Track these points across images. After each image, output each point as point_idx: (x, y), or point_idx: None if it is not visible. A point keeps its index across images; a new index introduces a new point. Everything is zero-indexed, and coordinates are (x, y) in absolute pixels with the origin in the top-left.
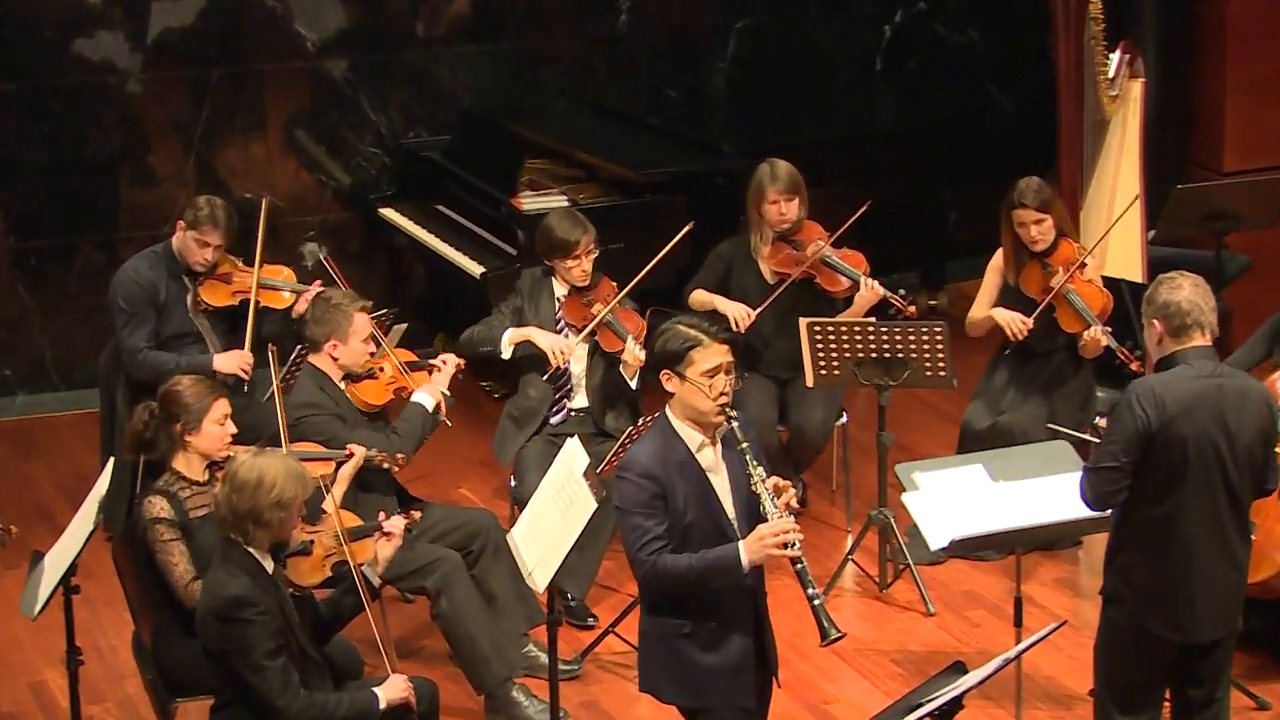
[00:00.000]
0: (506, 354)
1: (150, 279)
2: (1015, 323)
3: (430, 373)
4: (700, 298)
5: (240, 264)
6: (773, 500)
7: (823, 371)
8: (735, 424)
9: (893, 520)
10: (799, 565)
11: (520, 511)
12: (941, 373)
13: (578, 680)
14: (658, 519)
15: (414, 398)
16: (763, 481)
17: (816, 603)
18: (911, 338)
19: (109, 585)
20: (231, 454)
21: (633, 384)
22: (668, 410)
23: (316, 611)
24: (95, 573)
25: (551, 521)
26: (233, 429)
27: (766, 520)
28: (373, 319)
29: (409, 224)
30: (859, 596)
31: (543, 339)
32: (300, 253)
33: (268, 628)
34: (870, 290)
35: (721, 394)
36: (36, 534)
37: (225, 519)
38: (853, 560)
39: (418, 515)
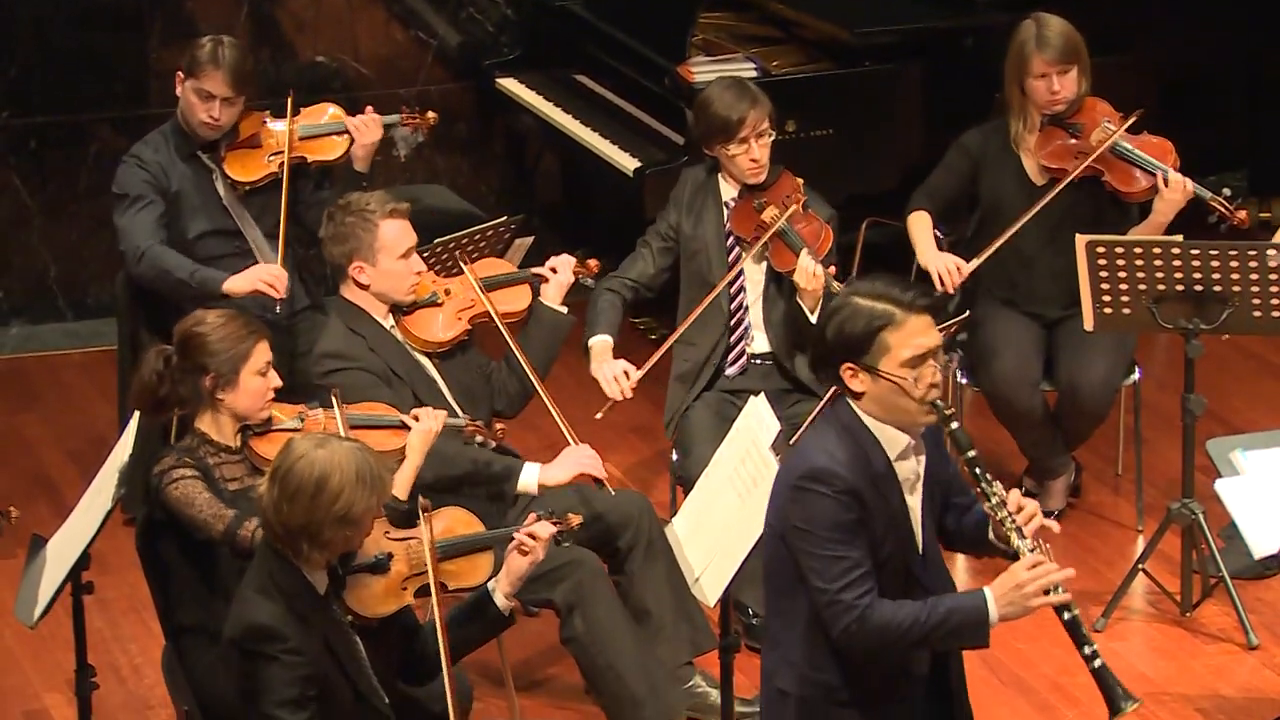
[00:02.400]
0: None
1: (156, 162)
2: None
3: (532, 286)
4: (917, 227)
5: (270, 116)
6: (1020, 529)
7: (1107, 310)
8: (956, 425)
9: (1202, 517)
10: (1068, 615)
11: (684, 495)
12: (1276, 313)
13: None
14: (862, 550)
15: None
16: (1004, 504)
17: (1098, 664)
18: (1234, 263)
19: (131, 583)
20: (273, 413)
21: (812, 318)
22: (852, 403)
23: (416, 640)
24: (113, 566)
25: (727, 510)
26: (276, 381)
27: (1015, 556)
28: (484, 231)
29: (537, 100)
30: (1153, 621)
31: (595, 365)
32: (390, 138)
33: (294, 671)
34: (1176, 188)
35: (932, 385)
36: (35, 512)
37: (272, 527)
38: (1144, 571)
39: (577, 520)
